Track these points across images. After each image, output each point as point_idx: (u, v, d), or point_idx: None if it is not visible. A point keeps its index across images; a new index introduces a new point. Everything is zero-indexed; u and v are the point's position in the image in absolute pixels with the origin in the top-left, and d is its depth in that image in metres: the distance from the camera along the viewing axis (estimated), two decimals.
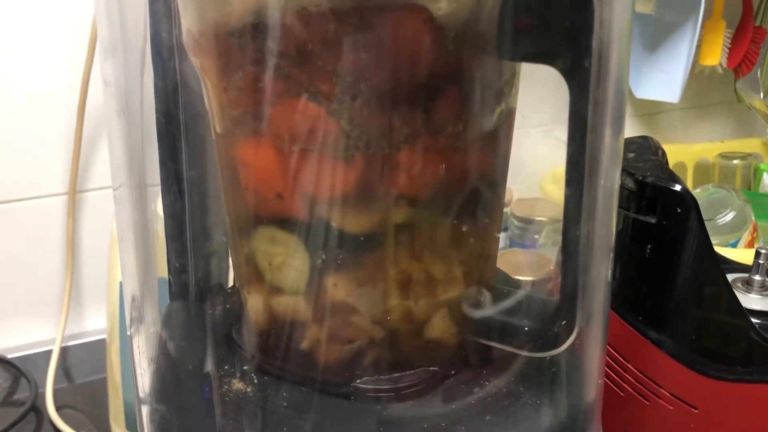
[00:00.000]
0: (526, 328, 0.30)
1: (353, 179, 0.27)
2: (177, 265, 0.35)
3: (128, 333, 0.35)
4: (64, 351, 0.69)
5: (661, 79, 0.85)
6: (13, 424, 0.59)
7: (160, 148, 0.31)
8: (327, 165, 0.26)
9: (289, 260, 0.29)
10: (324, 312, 0.29)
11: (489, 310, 0.31)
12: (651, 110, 0.98)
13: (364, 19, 0.25)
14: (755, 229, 0.70)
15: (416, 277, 0.29)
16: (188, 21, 0.28)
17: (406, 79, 0.26)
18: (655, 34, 0.85)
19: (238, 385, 0.31)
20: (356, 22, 0.25)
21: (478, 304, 0.31)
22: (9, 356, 0.68)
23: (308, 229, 0.28)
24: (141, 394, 0.34)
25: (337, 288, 0.29)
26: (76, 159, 0.66)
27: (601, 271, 0.30)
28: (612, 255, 0.30)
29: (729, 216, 0.69)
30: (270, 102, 0.26)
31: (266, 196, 0.28)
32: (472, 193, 0.29)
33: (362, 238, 0.28)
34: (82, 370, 0.69)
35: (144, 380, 0.34)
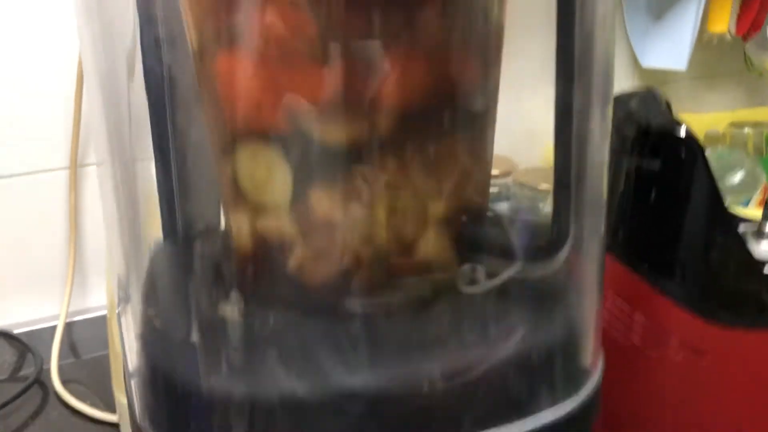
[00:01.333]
0: (518, 246, 0.29)
1: (332, 84, 0.26)
2: (166, 206, 0.34)
3: (116, 312, 0.35)
4: (69, 326, 0.69)
5: (667, 47, 0.83)
6: (16, 397, 0.59)
7: (150, 115, 0.30)
8: (305, 70, 0.26)
9: (271, 176, 0.28)
10: (309, 230, 0.29)
11: (480, 230, 0.30)
12: (659, 81, 0.96)
13: None
14: (766, 190, 0.68)
15: (403, 193, 0.28)
16: None
17: None
18: (660, 1, 0.84)
19: (224, 311, 0.30)
20: None
21: (469, 223, 0.30)
22: (15, 331, 0.68)
23: (289, 141, 0.27)
24: (130, 370, 0.34)
25: (321, 203, 0.28)
26: (77, 132, 0.66)
27: (595, 186, 0.29)
28: (606, 169, 0.29)
29: (739, 175, 0.67)
30: (245, 8, 0.26)
31: (246, 111, 0.28)
32: (460, 102, 0.28)
33: (345, 150, 0.27)
34: (87, 346, 0.69)
35: (132, 357, 0.33)
